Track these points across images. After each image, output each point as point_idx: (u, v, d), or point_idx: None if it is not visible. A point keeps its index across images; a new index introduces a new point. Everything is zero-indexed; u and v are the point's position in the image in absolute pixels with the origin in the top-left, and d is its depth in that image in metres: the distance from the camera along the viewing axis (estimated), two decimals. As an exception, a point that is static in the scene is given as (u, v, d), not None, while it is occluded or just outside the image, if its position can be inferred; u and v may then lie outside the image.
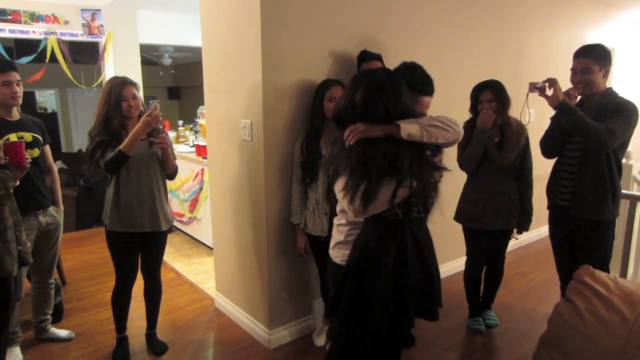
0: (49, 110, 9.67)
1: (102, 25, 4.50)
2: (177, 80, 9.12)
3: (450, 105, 3.26)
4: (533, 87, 2.37)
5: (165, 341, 2.71)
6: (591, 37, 4.73)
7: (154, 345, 2.66)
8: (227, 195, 2.91)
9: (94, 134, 2.30)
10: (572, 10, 4.47)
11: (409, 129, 1.53)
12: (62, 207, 2.70)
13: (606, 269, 2.46)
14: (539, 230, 4.29)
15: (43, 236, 2.54)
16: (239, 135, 2.65)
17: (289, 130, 2.55)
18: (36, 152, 2.47)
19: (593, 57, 2.31)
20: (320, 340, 2.71)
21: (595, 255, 2.42)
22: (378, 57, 2.62)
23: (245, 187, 2.70)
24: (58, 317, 2.95)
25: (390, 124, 1.54)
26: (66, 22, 4.33)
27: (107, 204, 2.38)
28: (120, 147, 2.23)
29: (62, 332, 2.79)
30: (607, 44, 5.39)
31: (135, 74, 4.83)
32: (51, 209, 2.58)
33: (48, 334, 2.74)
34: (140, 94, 2.45)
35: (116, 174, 2.32)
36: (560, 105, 2.24)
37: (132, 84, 2.35)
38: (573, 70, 2.37)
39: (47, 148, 2.63)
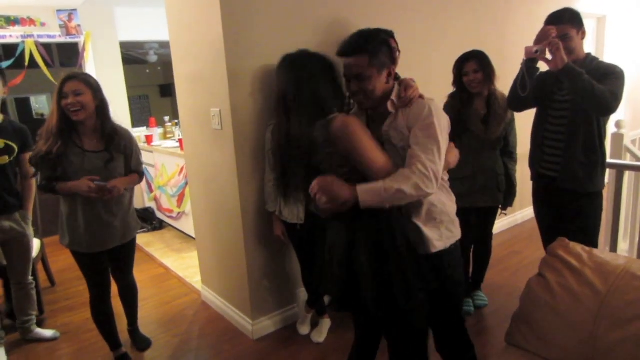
0: (46, 116, 9.70)
1: (79, 25, 4.45)
2: (169, 77, 9.06)
3: (430, 80, 3.21)
4: (531, 51, 2.15)
5: (149, 336, 2.69)
6: (580, 6, 4.59)
7: (138, 340, 2.64)
8: (204, 186, 2.87)
9: (41, 134, 2.09)
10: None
11: (368, 202, 1.41)
12: (30, 214, 2.63)
13: (596, 242, 2.39)
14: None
15: (11, 242, 2.51)
16: (210, 125, 2.60)
17: (259, 117, 2.50)
18: (5, 159, 2.43)
19: (568, 22, 2.18)
20: (304, 329, 2.68)
21: (584, 228, 2.33)
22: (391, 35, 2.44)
23: (220, 178, 2.66)
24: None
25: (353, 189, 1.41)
26: (43, 24, 4.29)
27: (69, 226, 2.16)
28: (58, 187, 2.06)
29: (47, 332, 2.78)
30: (598, 11, 5.25)
31: (117, 72, 4.79)
32: (17, 215, 2.53)
33: (33, 334, 2.74)
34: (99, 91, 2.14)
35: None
36: (566, 68, 2.03)
37: (77, 78, 2.04)
38: None
39: (28, 156, 2.57)
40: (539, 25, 2.22)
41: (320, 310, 2.68)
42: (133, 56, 6.79)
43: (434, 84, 3.08)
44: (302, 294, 2.77)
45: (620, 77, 2.14)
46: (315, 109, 1.53)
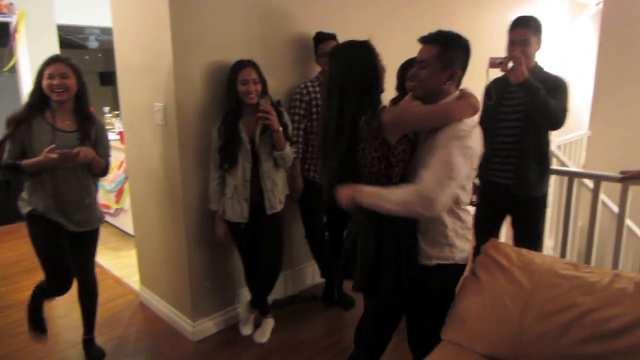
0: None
1: (12, 4, 4.14)
2: (110, 65, 8.61)
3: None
4: (495, 62, 2.18)
5: (103, 347, 2.51)
6: (514, 16, 4.86)
7: (92, 352, 2.46)
8: (145, 183, 2.78)
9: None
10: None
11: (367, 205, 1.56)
12: None
13: (541, 242, 2.53)
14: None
15: None
16: (153, 119, 2.52)
17: (205, 114, 2.45)
18: None
19: (532, 28, 2.26)
20: (246, 330, 2.66)
21: (533, 230, 2.47)
22: (333, 37, 2.67)
23: (162, 175, 2.58)
24: None
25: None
26: (-32, 1, 3.96)
27: (31, 192, 2.14)
28: (23, 162, 2.04)
29: None
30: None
31: (52, 57, 4.51)
32: None
33: None
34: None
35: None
36: (526, 83, 2.11)
37: (63, 62, 2.08)
38: (512, 41, 2.29)
39: None
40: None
41: (264, 310, 2.67)
42: (72, 40, 6.40)
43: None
44: (245, 294, 2.75)
45: (567, 91, 2.25)
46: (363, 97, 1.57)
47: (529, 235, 2.44)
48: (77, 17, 4.82)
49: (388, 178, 1.57)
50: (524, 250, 1.82)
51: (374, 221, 1.60)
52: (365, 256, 1.64)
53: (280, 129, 2.33)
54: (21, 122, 2.07)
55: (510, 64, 2.13)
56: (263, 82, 2.36)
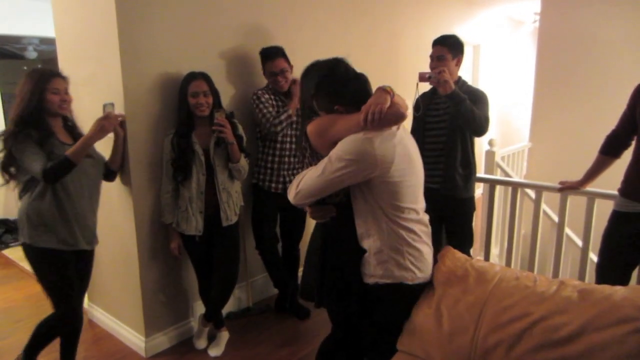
0: None
1: (-57, 10, 3.91)
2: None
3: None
4: (424, 76, 2.35)
5: None
6: (459, 32, 5.12)
7: None
8: (93, 197, 2.68)
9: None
10: (440, 7, 4.80)
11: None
12: None
13: (472, 241, 2.72)
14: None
15: None
16: (102, 131, 2.44)
17: (157, 126, 2.41)
18: None
19: (447, 46, 2.47)
20: (201, 343, 2.61)
21: (464, 230, 2.64)
22: (281, 53, 2.63)
23: (112, 187, 2.50)
24: None
25: None
26: None
27: (36, 216, 1.97)
28: (68, 153, 1.92)
29: None
30: (473, 40, 5.84)
31: (-11, 66, 4.28)
32: None
33: None
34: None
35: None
36: (453, 94, 2.31)
37: (64, 78, 2.07)
38: (431, 57, 2.51)
39: None
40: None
41: (218, 323, 2.63)
42: (8, 50, 6.10)
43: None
44: (199, 307, 2.70)
45: (488, 102, 2.50)
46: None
47: (461, 233, 2.61)
48: (14, 26, 4.60)
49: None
50: (476, 260, 1.87)
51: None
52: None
53: (234, 141, 2.33)
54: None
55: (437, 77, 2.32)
56: (215, 95, 2.36)
